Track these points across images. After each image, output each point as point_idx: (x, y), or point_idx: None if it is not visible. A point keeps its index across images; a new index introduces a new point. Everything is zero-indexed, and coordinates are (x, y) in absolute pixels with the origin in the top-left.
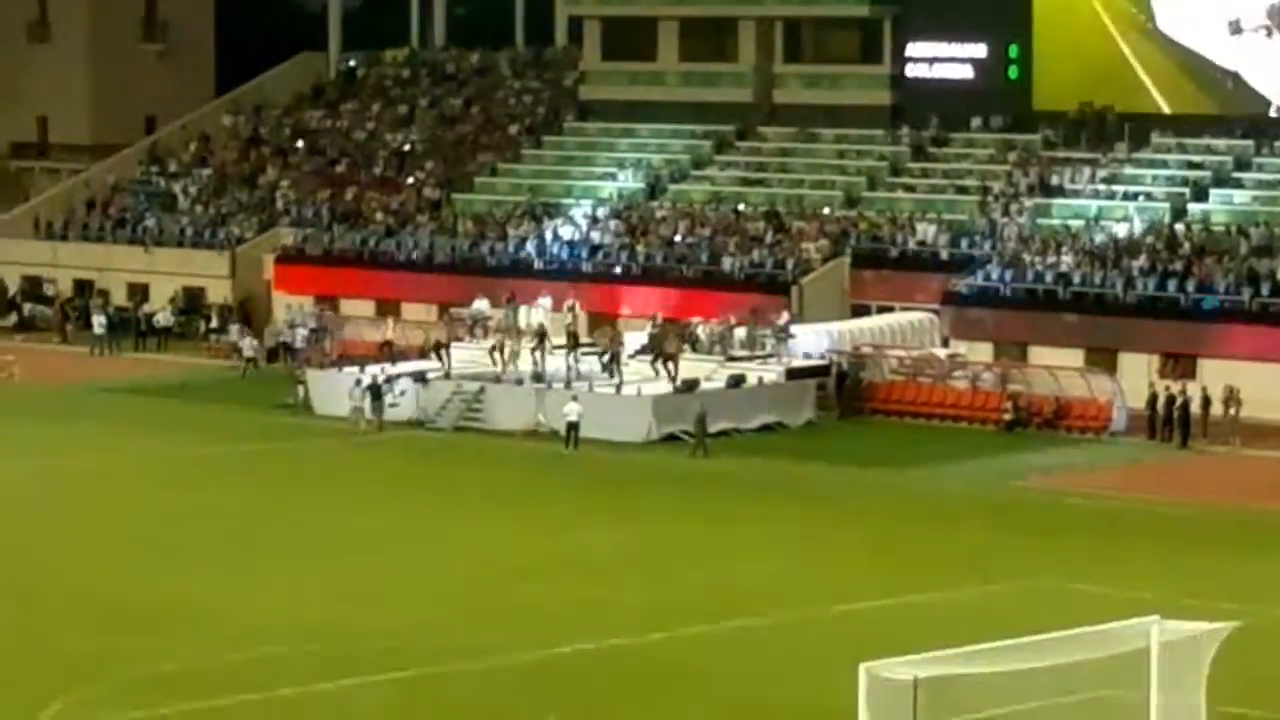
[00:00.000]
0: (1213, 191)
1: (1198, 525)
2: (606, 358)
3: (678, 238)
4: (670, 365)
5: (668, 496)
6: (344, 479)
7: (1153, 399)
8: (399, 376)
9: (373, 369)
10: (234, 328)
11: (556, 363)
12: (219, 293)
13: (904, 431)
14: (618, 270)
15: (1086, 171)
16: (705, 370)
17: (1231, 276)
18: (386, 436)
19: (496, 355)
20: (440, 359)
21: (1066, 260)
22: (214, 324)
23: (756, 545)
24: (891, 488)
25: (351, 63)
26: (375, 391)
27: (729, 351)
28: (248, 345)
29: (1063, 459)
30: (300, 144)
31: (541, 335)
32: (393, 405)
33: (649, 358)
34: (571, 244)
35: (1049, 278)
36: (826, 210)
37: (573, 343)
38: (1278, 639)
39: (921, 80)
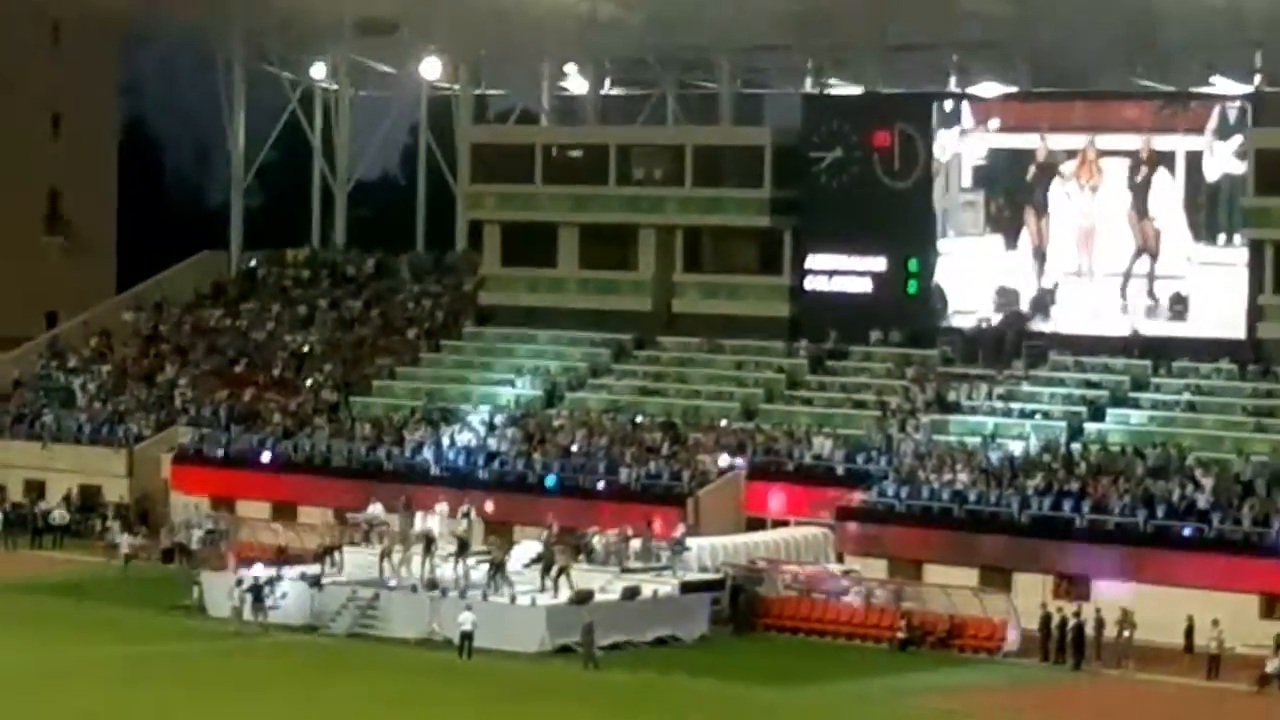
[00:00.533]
0: (1110, 411)
1: None
2: (490, 568)
3: (575, 447)
4: (561, 577)
5: (557, 710)
6: (230, 685)
7: (1046, 620)
8: (280, 578)
9: (254, 570)
10: (114, 524)
11: (448, 570)
12: (115, 491)
13: (797, 648)
14: (514, 478)
15: (984, 388)
16: (600, 581)
17: (1127, 498)
18: (276, 640)
19: (388, 562)
20: (329, 564)
21: (962, 478)
22: (109, 522)
23: None
24: (782, 706)
25: (252, 262)
26: (256, 593)
27: (624, 563)
28: (125, 543)
29: (955, 679)
30: (199, 343)
31: (429, 542)
32: (273, 608)
33: (540, 568)
34: (469, 450)
35: (945, 495)
36: (724, 422)
37: (463, 551)
38: None
39: (821, 292)
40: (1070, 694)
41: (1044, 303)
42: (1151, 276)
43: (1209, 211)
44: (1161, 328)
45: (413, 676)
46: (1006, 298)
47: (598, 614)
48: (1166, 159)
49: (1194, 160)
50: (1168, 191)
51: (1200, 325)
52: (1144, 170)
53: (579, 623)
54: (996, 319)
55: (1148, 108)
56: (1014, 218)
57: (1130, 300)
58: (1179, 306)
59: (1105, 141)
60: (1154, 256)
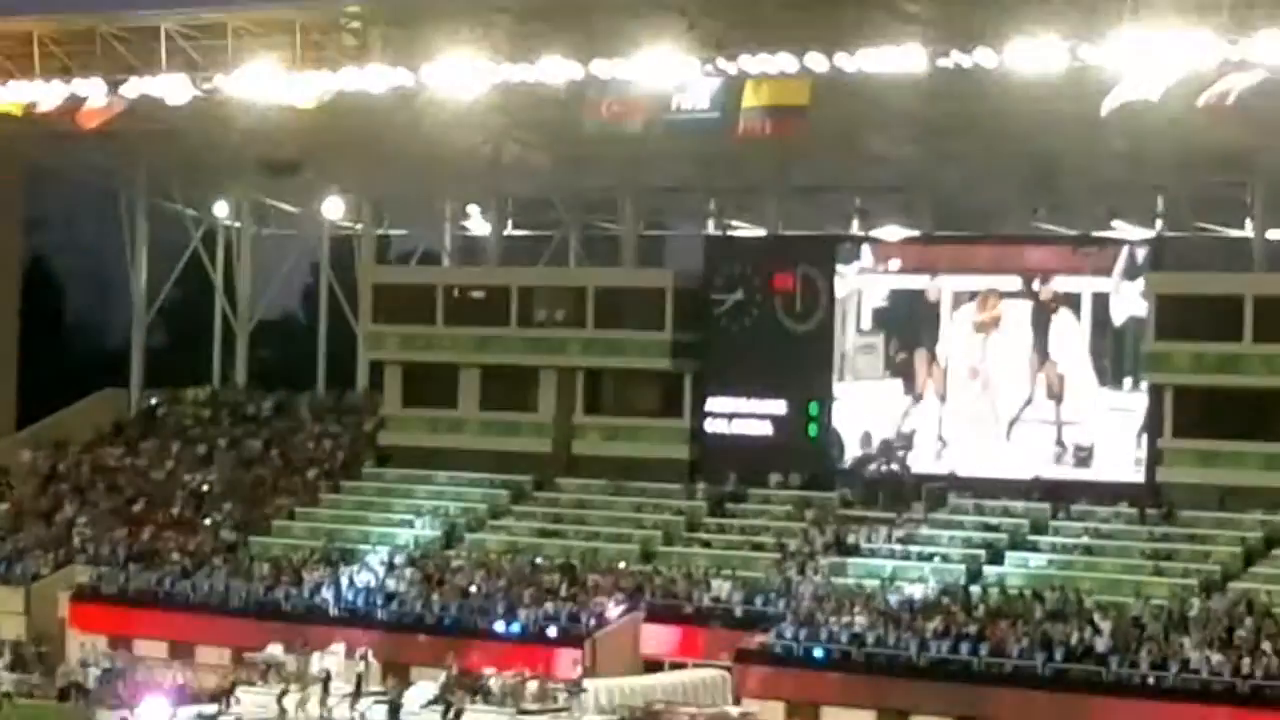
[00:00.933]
0: (1008, 554)
1: None
2: (388, 709)
3: (473, 588)
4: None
5: None
6: None
7: None
8: (174, 717)
9: (146, 709)
10: None
11: (344, 711)
12: (13, 629)
13: None
14: (412, 618)
15: (883, 531)
16: None
17: (1026, 640)
18: None
19: (285, 702)
20: (225, 704)
21: (861, 620)
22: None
23: None
24: None
25: (153, 400)
26: None
27: (521, 704)
28: (6, 680)
29: None
30: (99, 481)
31: (325, 682)
32: None
33: (440, 709)
34: (367, 591)
35: (843, 637)
36: (622, 564)
37: (359, 691)
38: None
39: (721, 435)
40: None
41: (944, 445)
42: (1058, 423)
43: (1115, 355)
44: (1061, 471)
45: None
46: (905, 440)
47: None
48: (1072, 301)
49: (1100, 302)
50: (1072, 335)
51: (1101, 469)
52: (1048, 313)
53: None
54: (895, 462)
55: (1052, 250)
56: (914, 361)
57: (1033, 445)
58: (1083, 452)
59: (1008, 284)
60: (1058, 401)
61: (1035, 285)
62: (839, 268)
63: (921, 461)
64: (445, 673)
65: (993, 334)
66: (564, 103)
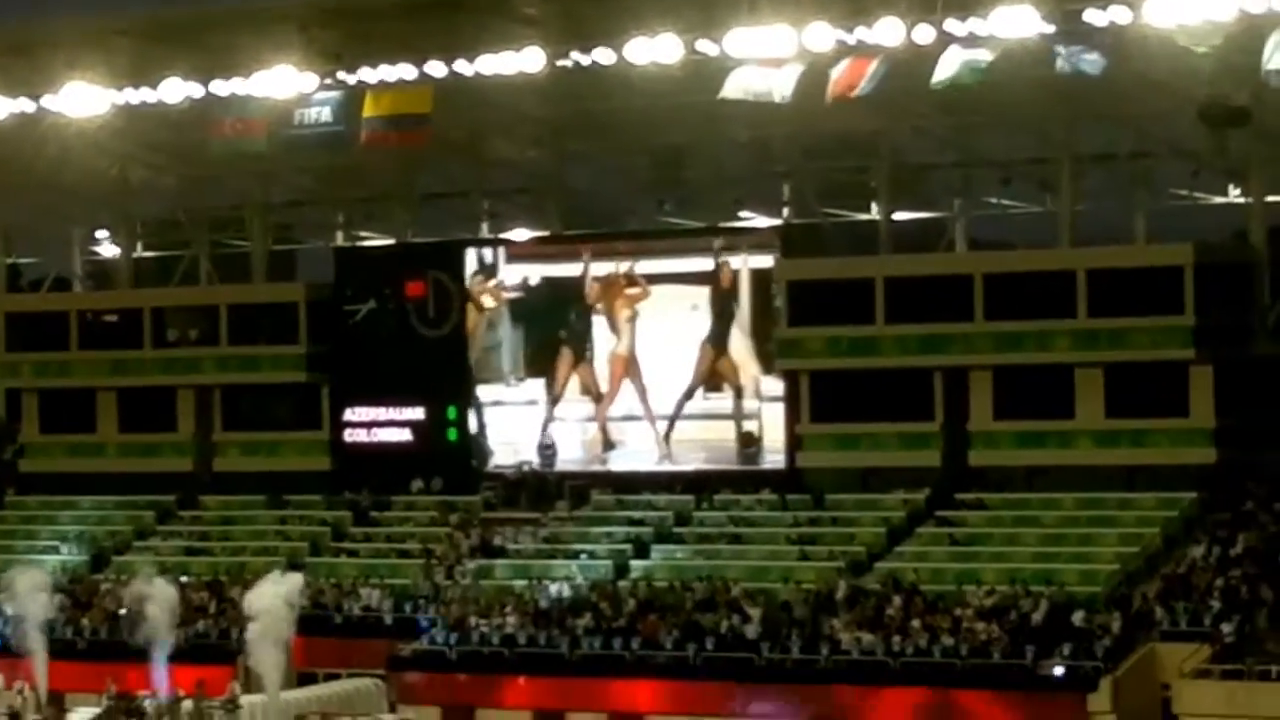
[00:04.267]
0: (654, 548)
1: None
2: None
3: (123, 610)
4: None
5: None
6: None
7: None
8: None
9: None
10: None
11: None
12: None
13: None
14: (64, 644)
15: (529, 531)
16: None
17: (677, 632)
18: None
19: None
20: None
21: (511, 621)
22: None
23: None
24: None
25: None
26: None
27: None
28: None
29: None
30: None
31: None
32: None
33: None
34: (16, 620)
35: (495, 639)
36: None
37: None
38: None
39: (361, 444)
40: None
41: (586, 443)
42: (736, 416)
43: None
44: (726, 465)
45: None
46: (548, 439)
47: None
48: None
49: (761, 283)
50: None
51: (766, 458)
52: (699, 297)
53: None
54: (538, 462)
55: (690, 242)
56: (554, 358)
57: (697, 439)
58: (751, 448)
59: (653, 270)
60: (719, 390)
61: (683, 268)
62: (471, 272)
63: (566, 459)
64: (103, 698)
65: (640, 324)
66: (186, 123)
